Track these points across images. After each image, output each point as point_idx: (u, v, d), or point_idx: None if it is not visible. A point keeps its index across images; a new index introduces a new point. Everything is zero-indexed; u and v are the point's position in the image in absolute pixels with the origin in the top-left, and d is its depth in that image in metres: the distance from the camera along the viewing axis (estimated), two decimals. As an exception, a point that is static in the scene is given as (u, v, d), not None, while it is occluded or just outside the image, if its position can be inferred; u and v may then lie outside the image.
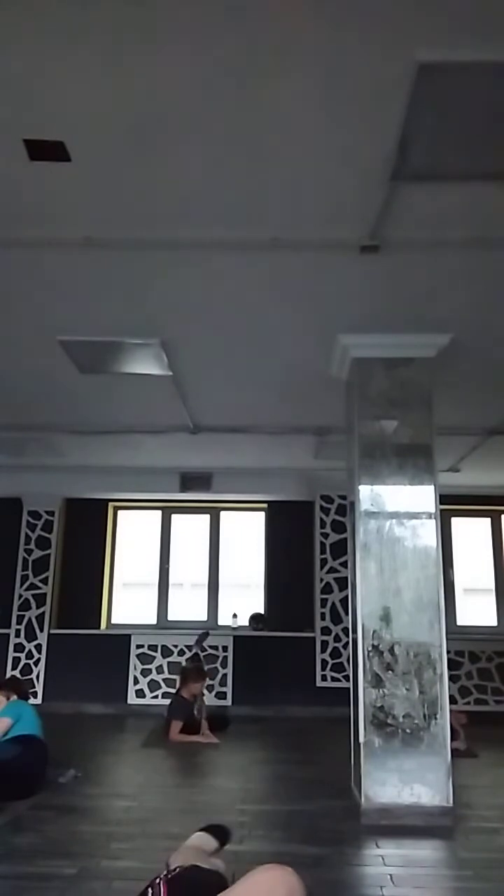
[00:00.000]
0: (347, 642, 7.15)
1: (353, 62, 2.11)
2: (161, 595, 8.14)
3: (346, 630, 7.44)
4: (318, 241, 3.07)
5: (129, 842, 3.30)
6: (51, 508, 8.01)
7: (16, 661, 7.63)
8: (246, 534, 8.33)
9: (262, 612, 7.98)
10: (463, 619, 7.95)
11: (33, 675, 7.53)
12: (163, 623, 8.01)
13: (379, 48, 2.06)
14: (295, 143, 2.47)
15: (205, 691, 6.27)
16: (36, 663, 7.62)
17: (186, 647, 7.59)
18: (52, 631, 7.73)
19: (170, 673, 7.47)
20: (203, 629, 7.31)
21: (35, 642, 7.68)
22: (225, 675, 7.52)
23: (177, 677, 6.68)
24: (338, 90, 2.23)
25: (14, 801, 3.87)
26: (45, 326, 3.98)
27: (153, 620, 8.04)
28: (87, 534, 8.15)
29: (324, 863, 3.04)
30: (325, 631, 7.63)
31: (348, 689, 4.01)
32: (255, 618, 7.89)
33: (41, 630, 7.70)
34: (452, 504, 7.44)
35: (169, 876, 1.70)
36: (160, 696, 7.36)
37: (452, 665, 7.19)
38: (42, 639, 7.69)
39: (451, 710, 3.80)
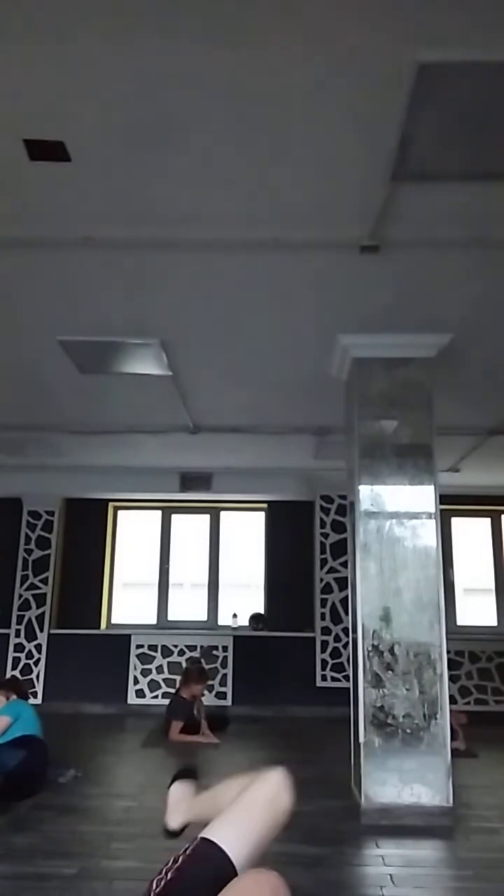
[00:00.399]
0: (347, 642, 7.15)
1: (353, 62, 2.11)
2: (161, 595, 8.14)
3: (346, 630, 7.44)
4: (318, 241, 3.07)
5: (129, 842, 3.30)
6: (51, 508, 8.01)
7: (16, 661, 7.63)
8: (246, 534, 8.33)
9: (262, 612, 7.98)
10: (463, 619, 7.95)
11: (33, 675, 7.53)
12: (163, 623, 8.01)
13: (379, 48, 2.06)
14: (295, 142, 2.47)
15: (205, 692, 6.28)
16: (36, 663, 7.62)
17: (186, 647, 7.61)
18: (52, 631, 7.72)
19: (170, 673, 7.47)
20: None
21: (35, 642, 7.68)
22: (225, 675, 7.52)
23: (177, 677, 6.68)
24: (338, 90, 2.23)
25: (14, 801, 3.87)
26: (45, 326, 3.98)
27: (153, 620, 8.04)
28: (87, 534, 8.15)
29: (324, 863, 3.04)
30: (325, 631, 7.63)
31: (348, 689, 4.01)
32: (255, 618, 7.89)
33: (41, 630, 7.70)
34: (452, 504, 7.44)
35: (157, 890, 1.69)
36: (160, 696, 7.36)
37: (452, 665, 7.19)
38: (42, 639, 7.69)
39: (451, 710, 3.81)
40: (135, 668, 7.58)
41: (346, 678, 6.77)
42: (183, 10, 1.94)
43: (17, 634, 7.70)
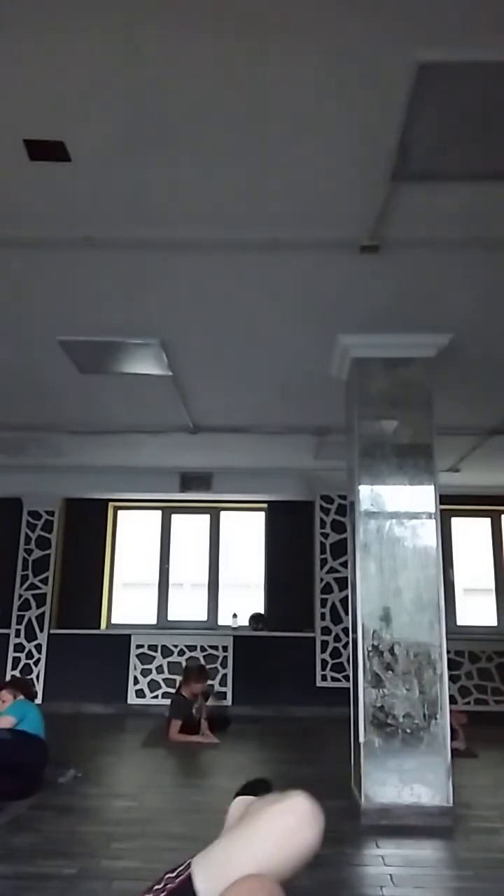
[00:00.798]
0: (347, 642, 7.15)
1: (353, 62, 2.11)
2: (161, 595, 8.14)
3: (346, 630, 7.44)
4: (318, 241, 3.07)
5: (129, 842, 3.30)
6: (51, 508, 8.01)
7: (16, 661, 7.63)
8: (246, 534, 8.33)
9: (262, 612, 7.98)
10: (463, 619, 7.95)
11: (33, 675, 7.53)
12: (163, 623, 8.01)
13: (379, 48, 2.06)
14: (295, 142, 2.47)
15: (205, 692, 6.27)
16: (36, 663, 7.63)
17: (186, 646, 7.62)
18: (52, 631, 7.73)
19: (170, 673, 7.47)
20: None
21: (35, 642, 7.68)
22: (225, 675, 7.52)
23: (177, 677, 6.68)
24: (338, 90, 2.23)
25: (14, 801, 3.87)
26: (45, 326, 3.98)
27: (153, 620, 8.04)
28: (87, 534, 8.15)
29: (324, 863, 3.04)
30: (325, 631, 7.63)
31: (348, 689, 4.01)
32: (255, 618, 7.89)
33: (41, 630, 7.71)
34: (452, 504, 7.45)
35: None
36: (160, 696, 7.36)
37: (452, 665, 7.20)
38: (42, 639, 7.69)
39: (451, 710, 3.80)
40: (135, 668, 7.59)
41: (346, 678, 6.77)
42: (183, 10, 1.94)
43: (17, 634, 7.70)
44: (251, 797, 2.27)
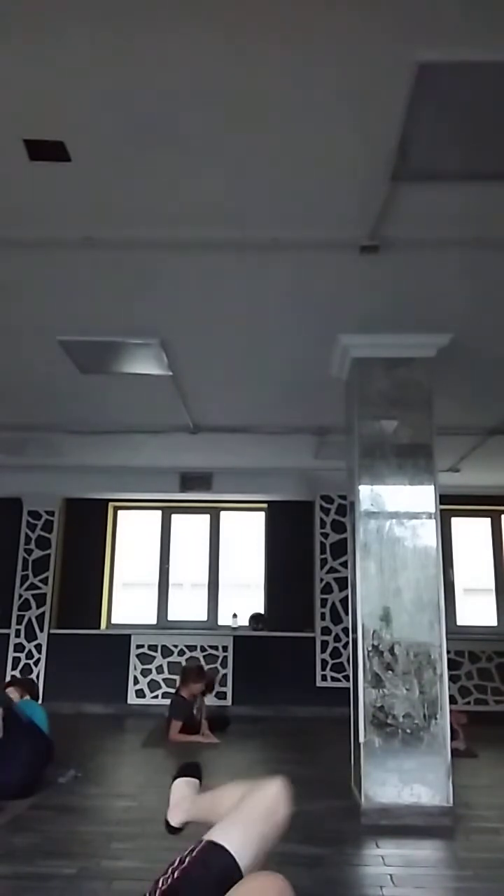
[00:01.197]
0: (347, 642, 7.15)
1: (353, 62, 2.11)
2: (161, 595, 8.14)
3: (346, 630, 7.44)
4: (318, 241, 3.07)
5: (129, 842, 3.30)
6: (51, 508, 8.01)
7: (16, 661, 7.63)
8: (246, 534, 8.32)
9: (262, 612, 7.98)
10: (463, 619, 7.95)
11: (33, 675, 7.51)
12: (163, 623, 8.01)
13: (379, 48, 2.06)
14: (295, 142, 2.47)
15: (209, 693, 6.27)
16: (36, 663, 7.62)
17: (186, 646, 7.61)
18: (52, 631, 7.73)
19: (170, 673, 7.47)
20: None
21: (35, 642, 7.68)
22: (225, 675, 7.52)
23: (177, 677, 6.68)
24: (338, 90, 2.23)
25: (14, 800, 3.87)
26: (45, 326, 3.98)
27: (153, 620, 8.04)
28: (87, 534, 8.15)
29: (324, 863, 3.04)
30: (325, 631, 7.63)
31: (348, 689, 4.01)
32: (255, 618, 7.89)
33: (41, 630, 7.70)
34: (452, 504, 7.43)
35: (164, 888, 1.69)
36: (160, 696, 7.36)
37: (452, 665, 7.19)
38: (42, 639, 7.69)
39: (451, 710, 3.80)
40: (135, 668, 7.59)
41: (346, 678, 6.77)
42: (182, 10, 1.94)
43: (17, 634, 7.70)
44: (190, 778, 2.69)
